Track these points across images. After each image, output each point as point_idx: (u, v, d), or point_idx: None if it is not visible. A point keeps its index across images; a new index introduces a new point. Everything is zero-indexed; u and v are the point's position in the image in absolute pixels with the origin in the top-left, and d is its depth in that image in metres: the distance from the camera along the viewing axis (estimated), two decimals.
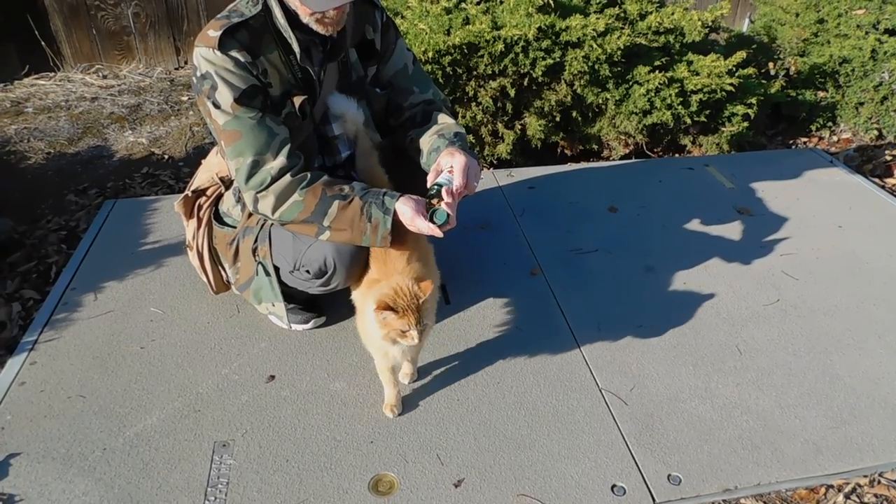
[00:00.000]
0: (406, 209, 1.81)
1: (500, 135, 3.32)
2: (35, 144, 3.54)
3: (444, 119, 2.11)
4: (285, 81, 1.91)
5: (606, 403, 2.05)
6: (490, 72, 3.10)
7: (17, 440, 1.89)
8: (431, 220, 1.79)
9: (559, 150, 3.53)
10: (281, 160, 1.83)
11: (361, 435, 1.94)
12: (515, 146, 3.34)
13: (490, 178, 3.24)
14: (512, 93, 3.15)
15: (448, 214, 1.79)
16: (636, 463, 1.87)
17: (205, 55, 1.80)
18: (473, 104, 3.20)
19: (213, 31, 1.80)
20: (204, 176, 2.27)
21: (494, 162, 3.40)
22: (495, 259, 2.69)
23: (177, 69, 4.48)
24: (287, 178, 1.83)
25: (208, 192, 2.25)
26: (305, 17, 1.83)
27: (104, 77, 4.31)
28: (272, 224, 2.03)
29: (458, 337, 2.29)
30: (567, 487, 1.80)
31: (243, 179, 1.84)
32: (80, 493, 1.75)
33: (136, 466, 1.83)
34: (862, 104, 3.79)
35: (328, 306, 2.34)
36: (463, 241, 2.78)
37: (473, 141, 3.29)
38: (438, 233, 1.80)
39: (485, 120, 3.25)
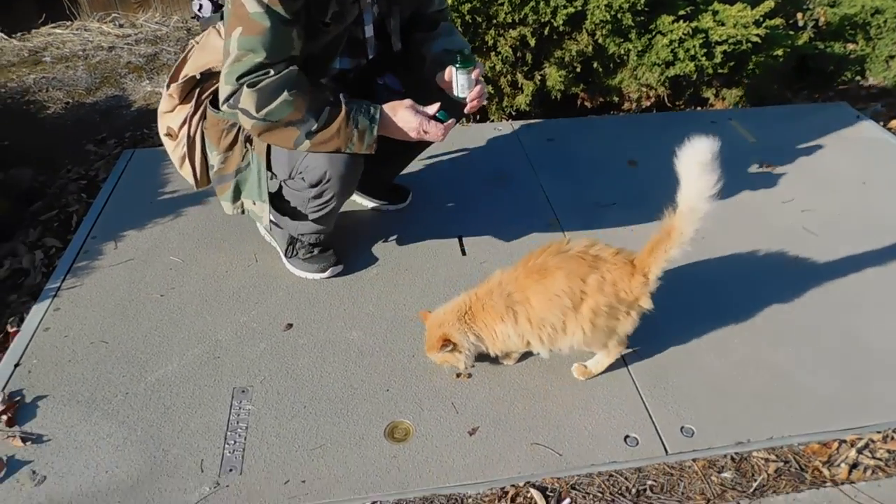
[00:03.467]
0: (394, 111, 1.87)
1: (519, 85, 3.27)
2: (54, 94, 3.54)
3: (448, 29, 2.16)
4: None
5: (622, 356, 2.06)
6: (510, 20, 3.04)
7: (44, 384, 1.94)
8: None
9: (579, 103, 3.47)
10: (285, 74, 1.76)
11: (377, 383, 1.96)
12: (535, 98, 3.29)
13: (508, 130, 3.21)
14: (532, 42, 3.09)
15: (448, 118, 1.91)
16: (650, 415, 1.89)
17: None
18: (493, 54, 3.14)
19: None
20: (209, 58, 2.07)
21: (513, 113, 3.36)
22: (513, 212, 2.67)
23: (193, 17, 4.42)
24: (274, 77, 1.75)
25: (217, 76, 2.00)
26: None
27: (121, 26, 4.28)
28: None
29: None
30: (580, 437, 1.82)
31: (238, 73, 1.74)
32: (105, 435, 1.80)
33: (157, 410, 1.87)
34: (893, 58, 3.67)
35: (345, 257, 2.35)
36: (481, 194, 2.76)
37: (492, 91, 3.25)
38: (438, 135, 1.87)
39: (504, 70, 3.20)
